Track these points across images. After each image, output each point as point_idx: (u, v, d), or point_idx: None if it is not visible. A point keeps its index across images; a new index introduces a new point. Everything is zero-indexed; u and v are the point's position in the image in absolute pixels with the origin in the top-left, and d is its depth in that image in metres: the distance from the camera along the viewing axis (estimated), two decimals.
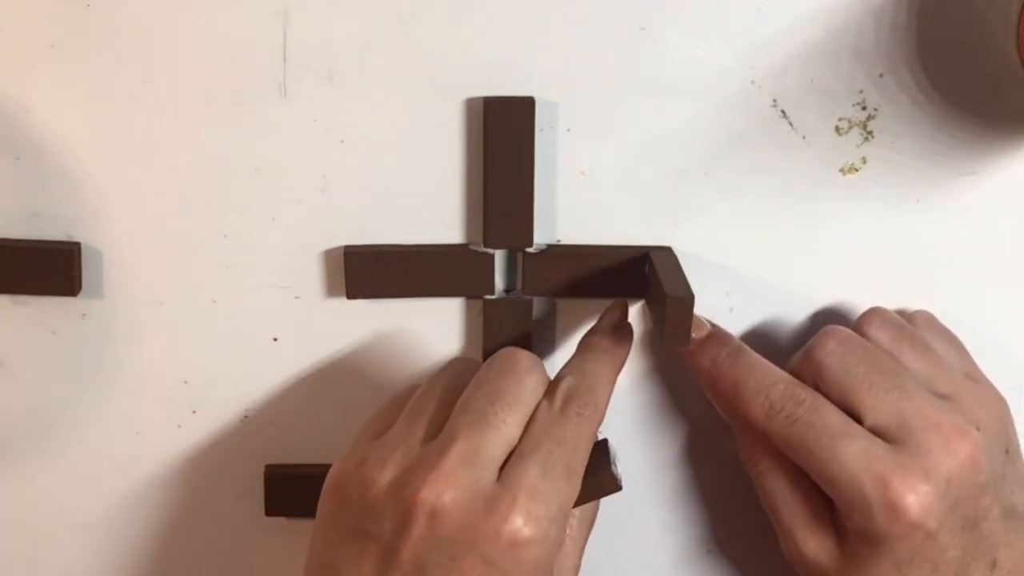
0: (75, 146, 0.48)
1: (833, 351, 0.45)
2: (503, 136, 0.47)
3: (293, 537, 0.55)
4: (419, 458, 0.41)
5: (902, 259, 0.51)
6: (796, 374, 0.46)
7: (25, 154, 0.48)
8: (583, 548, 0.46)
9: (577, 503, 0.43)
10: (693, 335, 0.46)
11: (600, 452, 0.44)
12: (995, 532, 0.43)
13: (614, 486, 0.44)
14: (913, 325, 0.48)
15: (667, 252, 0.49)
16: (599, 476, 0.44)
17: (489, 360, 0.45)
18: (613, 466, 0.44)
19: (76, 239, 0.49)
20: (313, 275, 0.50)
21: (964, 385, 0.46)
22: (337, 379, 0.52)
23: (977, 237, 0.50)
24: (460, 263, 0.50)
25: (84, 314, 0.50)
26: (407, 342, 0.52)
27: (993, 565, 0.44)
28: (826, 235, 0.50)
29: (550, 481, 0.41)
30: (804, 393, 0.44)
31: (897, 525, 0.42)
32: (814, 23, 0.47)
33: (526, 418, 0.42)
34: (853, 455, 0.42)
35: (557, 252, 0.50)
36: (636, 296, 0.50)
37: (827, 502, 0.45)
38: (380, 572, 0.40)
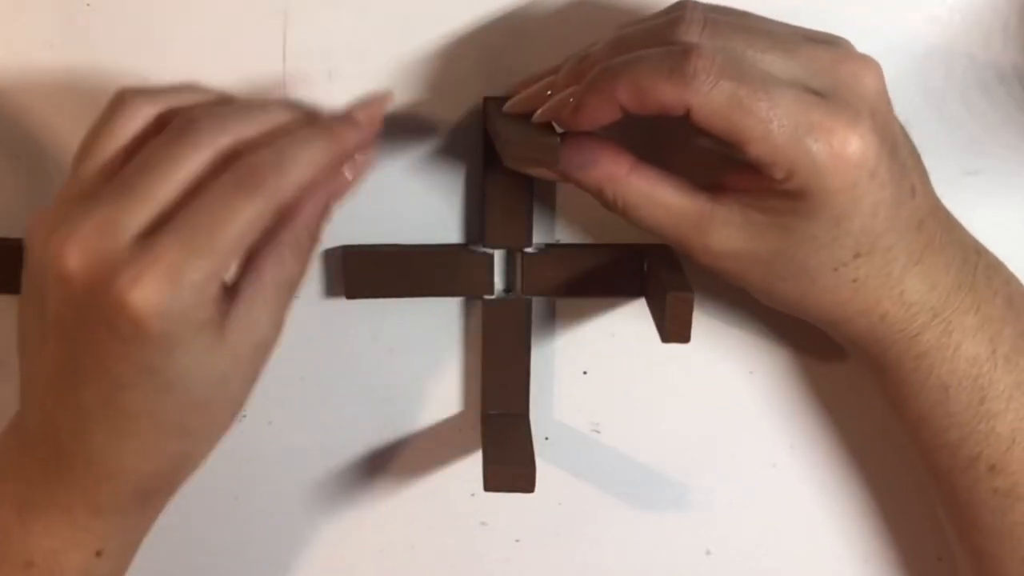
0: (75, 146, 0.48)
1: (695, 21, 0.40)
2: None
3: (293, 537, 0.55)
4: (62, 219, 0.39)
5: None
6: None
7: (25, 154, 0.48)
8: (279, 311, 0.42)
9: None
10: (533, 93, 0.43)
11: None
12: (905, 156, 0.42)
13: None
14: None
15: (666, 249, 0.49)
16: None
17: (168, 126, 0.41)
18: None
19: None
20: (313, 275, 0.50)
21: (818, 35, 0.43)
22: (337, 379, 0.52)
23: (978, 237, 0.50)
24: (459, 263, 0.50)
25: None
26: (406, 342, 0.52)
27: (912, 192, 0.42)
28: None
29: (189, 256, 0.38)
30: (708, 48, 0.39)
31: (843, 173, 0.40)
32: (813, 23, 0.47)
33: (185, 183, 0.39)
34: (788, 104, 0.39)
35: (556, 252, 0.50)
36: (636, 295, 0.50)
37: (710, 196, 0.43)
38: (41, 330, 0.40)
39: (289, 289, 0.42)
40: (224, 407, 0.42)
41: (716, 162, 0.46)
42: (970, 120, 0.48)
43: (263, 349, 0.42)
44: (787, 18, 0.43)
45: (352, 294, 0.50)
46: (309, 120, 0.42)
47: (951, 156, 0.49)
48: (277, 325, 0.42)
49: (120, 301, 0.37)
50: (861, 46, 0.42)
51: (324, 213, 0.43)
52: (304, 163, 0.40)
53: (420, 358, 0.52)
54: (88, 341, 0.39)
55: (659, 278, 0.46)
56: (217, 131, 0.40)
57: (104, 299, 0.38)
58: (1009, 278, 0.47)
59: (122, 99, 0.42)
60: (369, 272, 0.49)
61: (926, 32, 0.47)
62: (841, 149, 0.39)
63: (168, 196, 0.39)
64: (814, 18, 0.44)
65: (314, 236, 0.42)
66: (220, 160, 0.40)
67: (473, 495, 0.54)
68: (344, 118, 0.43)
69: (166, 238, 0.38)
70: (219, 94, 0.44)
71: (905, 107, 0.46)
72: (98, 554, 0.42)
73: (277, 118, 0.42)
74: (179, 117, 0.41)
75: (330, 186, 0.42)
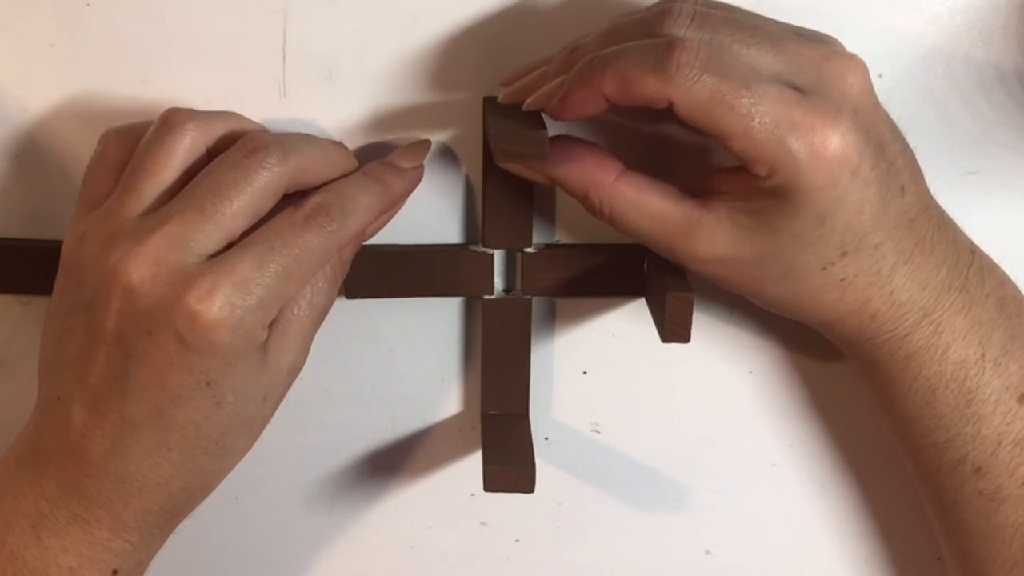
0: (75, 146, 0.48)
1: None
2: None
3: (293, 537, 0.55)
4: (125, 233, 0.41)
5: None
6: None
7: (25, 154, 0.48)
8: (309, 338, 0.44)
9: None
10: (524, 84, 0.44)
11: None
12: (894, 155, 0.42)
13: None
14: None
15: None
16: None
17: (232, 148, 0.42)
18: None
19: None
20: None
21: (806, 32, 0.43)
22: (337, 379, 0.52)
23: (977, 237, 0.50)
24: (459, 263, 0.50)
25: None
26: (407, 342, 0.52)
27: (902, 191, 0.42)
28: None
29: (260, 275, 0.40)
30: (694, 42, 0.39)
31: (824, 171, 0.40)
32: (813, 25, 0.47)
33: (256, 214, 0.41)
34: (770, 101, 0.39)
35: (556, 252, 0.50)
36: (636, 295, 0.50)
37: (697, 202, 0.43)
38: (89, 341, 0.41)
39: (321, 316, 0.44)
40: (258, 427, 0.43)
41: (703, 166, 0.47)
42: (970, 120, 0.48)
43: (294, 372, 0.43)
44: (787, 18, 0.43)
45: (352, 294, 0.50)
46: (350, 155, 0.45)
47: (951, 156, 0.49)
48: (307, 350, 0.44)
49: (193, 311, 0.39)
50: (861, 47, 0.42)
51: (357, 247, 0.45)
52: (364, 208, 0.43)
53: (420, 358, 0.52)
54: (147, 353, 0.40)
55: (659, 278, 0.46)
56: (283, 158, 0.42)
57: (174, 310, 0.39)
58: (1003, 280, 0.47)
59: (173, 120, 0.43)
60: (369, 272, 0.49)
61: (926, 32, 0.47)
62: (821, 147, 0.40)
63: (238, 220, 0.41)
64: (814, 18, 0.44)
65: (346, 268, 0.45)
66: (283, 183, 0.42)
67: (473, 495, 0.54)
68: (392, 168, 0.45)
69: (237, 256, 0.40)
70: (259, 124, 0.46)
71: (905, 107, 0.46)
72: (114, 573, 0.43)
73: (330, 154, 0.44)
74: (245, 141, 0.42)
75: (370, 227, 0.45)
